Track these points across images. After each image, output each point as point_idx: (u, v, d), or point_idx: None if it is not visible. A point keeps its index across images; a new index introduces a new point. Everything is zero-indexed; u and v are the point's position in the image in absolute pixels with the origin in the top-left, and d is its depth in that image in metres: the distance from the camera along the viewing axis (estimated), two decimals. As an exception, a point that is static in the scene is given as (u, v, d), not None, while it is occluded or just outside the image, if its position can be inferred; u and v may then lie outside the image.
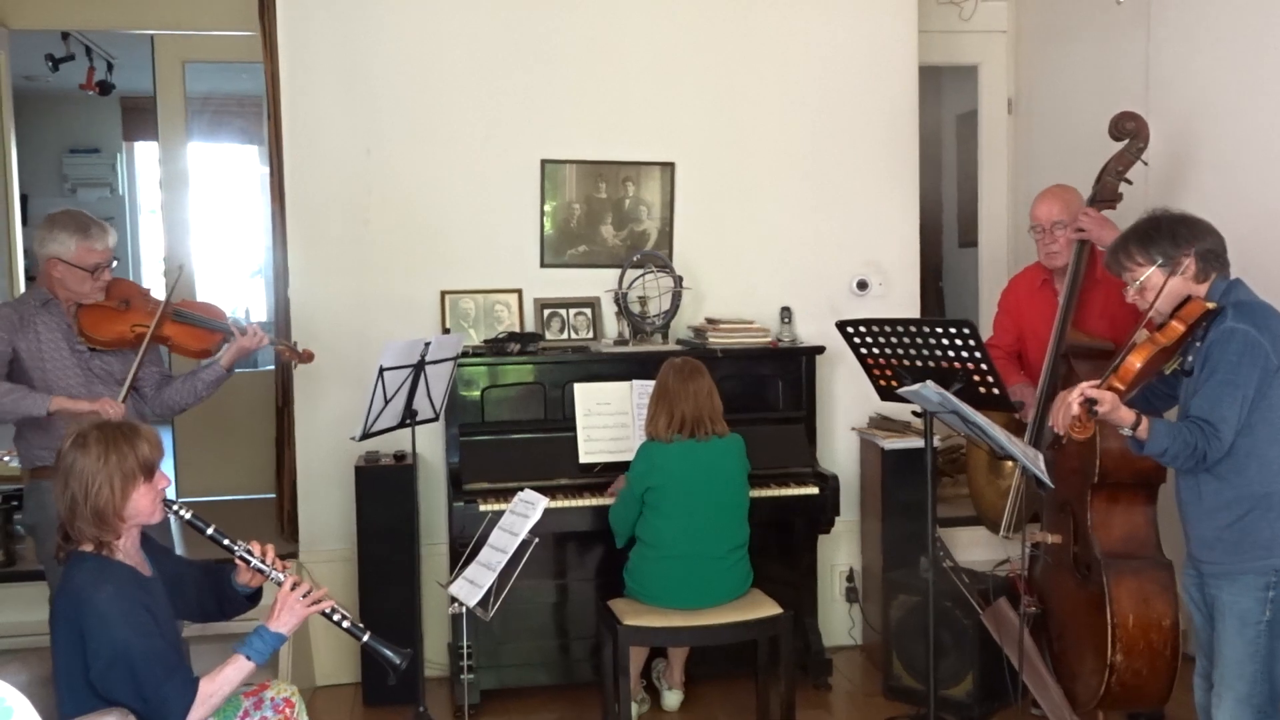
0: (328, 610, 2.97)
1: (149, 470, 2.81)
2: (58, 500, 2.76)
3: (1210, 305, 3.02)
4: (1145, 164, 4.07)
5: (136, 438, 2.81)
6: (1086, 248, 4.05)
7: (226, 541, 2.96)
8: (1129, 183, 4.08)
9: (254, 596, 3.11)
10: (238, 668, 2.82)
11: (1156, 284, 3.08)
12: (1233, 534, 3.00)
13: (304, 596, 2.91)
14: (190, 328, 3.87)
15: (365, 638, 3.03)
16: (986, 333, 4.20)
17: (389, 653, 3.03)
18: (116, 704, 2.68)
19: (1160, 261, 3.06)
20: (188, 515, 2.93)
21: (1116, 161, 4.07)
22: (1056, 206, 4.13)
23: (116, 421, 2.94)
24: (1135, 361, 3.01)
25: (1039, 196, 4.23)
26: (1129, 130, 4.05)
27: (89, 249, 3.66)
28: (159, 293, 3.99)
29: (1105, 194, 4.08)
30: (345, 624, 3.00)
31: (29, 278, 8.21)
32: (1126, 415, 2.96)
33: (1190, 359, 3.08)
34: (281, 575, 2.95)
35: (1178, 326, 3.03)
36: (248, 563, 2.97)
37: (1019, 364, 4.33)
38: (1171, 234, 3.07)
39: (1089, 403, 2.91)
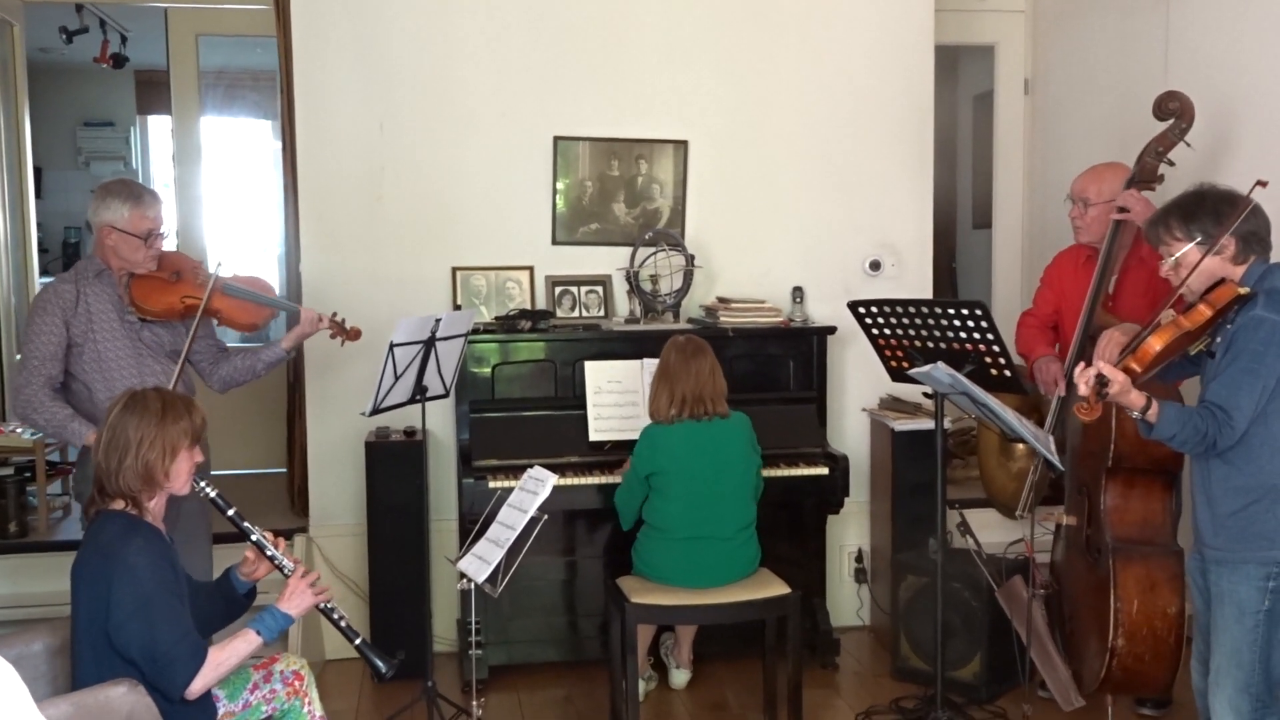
0: (330, 606, 3.04)
1: (196, 438, 2.90)
2: (101, 453, 2.82)
3: (1243, 290, 2.94)
4: (1189, 145, 4.00)
5: (191, 406, 2.93)
6: (1125, 229, 4.00)
7: (246, 524, 3.01)
8: (1171, 164, 4.01)
9: (250, 595, 3.14)
10: (247, 641, 2.85)
11: (1192, 261, 3.00)
12: (1237, 522, 2.96)
13: (312, 584, 2.98)
14: (240, 302, 3.92)
15: (357, 641, 3.08)
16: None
17: (377, 661, 3.08)
18: (128, 660, 2.72)
19: (1199, 239, 2.99)
20: (213, 493, 2.99)
21: (1158, 142, 3.99)
22: (1092, 186, 4.11)
23: (170, 390, 3.04)
24: (1155, 344, 2.94)
25: (1084, 170, 4.21)
26: (1172, 110, 3.97)
27: (141, 215, 3.72)
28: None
29: (1145, 175, 4.01)
30: (343, 624, 3.06)
31: (42, 250, 8.24)
32: (1137, 399, 2.90)
33: (1218, 340, 3.00)
34: (291, 565, 3.01)
35: (1205, 311, 2.94)
36: (262, 549, 3.00)
37: (1052, 336, 4.32)
38: (1214, 211, 2.99)
39: (1100, 381, 2.86)
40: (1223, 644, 3.01)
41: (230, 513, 2.98)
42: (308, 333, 4.01)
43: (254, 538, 3.00)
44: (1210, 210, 3.00)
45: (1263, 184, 3.01)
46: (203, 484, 2.97)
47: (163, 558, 2.81)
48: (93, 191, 3.81)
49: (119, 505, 2.83)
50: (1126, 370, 2.91)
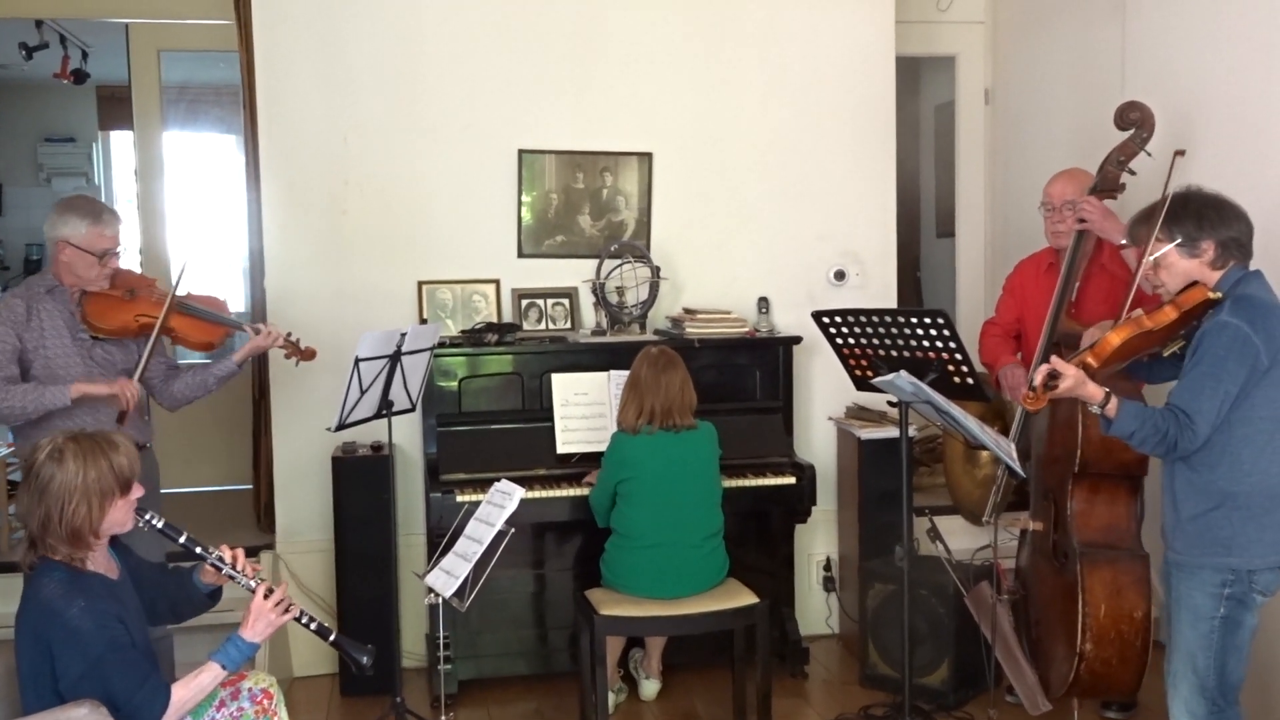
0: (298, 615, 2.93)
1: (126, 485, 2.76)
2: (28, 514, 2.69)
3: (1213, 294, 2.95)
4: (1149, 154, 4.04)
5: (114, 450, 2.74)
6: (1088, 236, 4.04)
7: (200, 549, 2.92)
8: (1132, 173, 4.05)
9: (214, 595, 3.07)
10: (212, 675, 2.79)
11: (1171, 262, 3.01)
12: (1195, 527, 2.99)
13: (276, 604, 2.86)
14: (195, 320, 3.89)
15: (332, 637, 3.00)
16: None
17: (354, 652, 3.01)
18: None
19: (1180, 240, 3.00)
20: (159, 524, 2.87)
21: (1119, 151, 4.03)
22: (1071, 187, 4.13)
23: (93, 432, 2.86)
24: (1114, 339, 2.96)
25: (1055, 176, 4.23)
26: (1133, 120, 4.02)
27: (100, 234, 3.68)
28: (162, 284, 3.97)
29: (1107, 184, 4.04)
30: (313, 626, 2.98)
31: (3, 267, 8.17)
32: (1094, 392, 2.92)
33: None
34: (253, 583, 2.90)
35: (1170, 312, 2.96)
36: (219, 569, 2.93)
37: (1015, 345, 4.35)
38: (1198, 215, 3.00)
39: (1050, 375, 2.88)
40: (1179, 648, 3.04)
41: (182, 540, 2.89)
42: (261, 346, 3.97)
43: (210, 559, 2.91)
44: (1194, 213, 3.01)
45: (1180, 153, 3.25)
46: (148, 515, 2.84)
47: (107, 613, 2.68)
48: (53, 206, 3.78)
49: (58, 555, 2.70)
50: (1083, 365, 2.94)
